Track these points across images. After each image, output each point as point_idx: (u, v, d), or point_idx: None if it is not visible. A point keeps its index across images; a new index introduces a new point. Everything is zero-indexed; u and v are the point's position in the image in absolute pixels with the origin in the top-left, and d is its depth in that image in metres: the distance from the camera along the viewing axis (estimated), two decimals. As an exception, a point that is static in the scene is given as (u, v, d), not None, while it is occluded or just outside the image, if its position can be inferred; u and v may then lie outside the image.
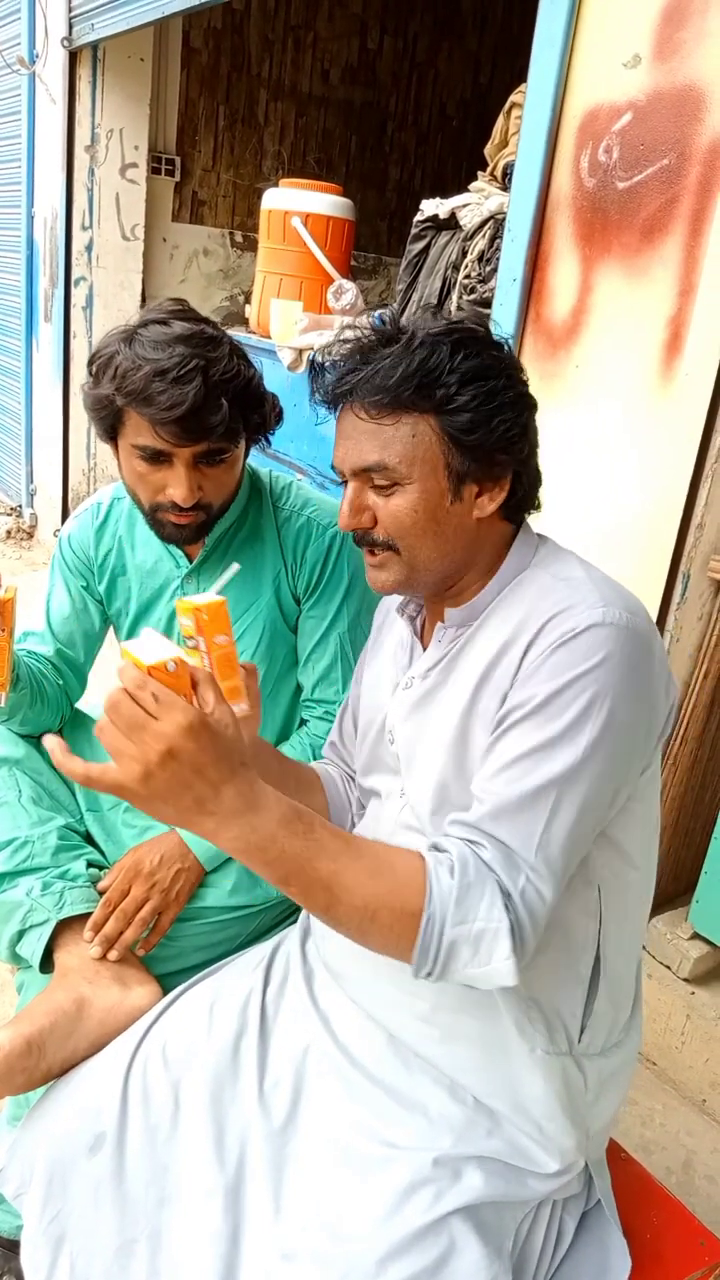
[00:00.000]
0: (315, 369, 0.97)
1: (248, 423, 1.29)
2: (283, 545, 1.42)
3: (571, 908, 0.95)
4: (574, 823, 0.85)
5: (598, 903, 0.97)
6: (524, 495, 0.99)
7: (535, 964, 0.95)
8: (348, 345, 0.95)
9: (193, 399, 1.16)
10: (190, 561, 1.43)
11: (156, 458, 1.23)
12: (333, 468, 0.99)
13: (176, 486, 1.24)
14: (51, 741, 0.82)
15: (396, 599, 1.12)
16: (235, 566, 1.01)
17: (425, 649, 1.06)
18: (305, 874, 0.81)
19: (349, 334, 0.96)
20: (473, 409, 0.90)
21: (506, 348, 0.98)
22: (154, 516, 1.30)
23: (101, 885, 1.31)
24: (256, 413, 1.29)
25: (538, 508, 1.04)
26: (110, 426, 1.27)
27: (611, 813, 0.91)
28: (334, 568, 1.41)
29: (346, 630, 1.43)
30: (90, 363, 1.25)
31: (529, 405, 0.96)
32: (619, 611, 0.88)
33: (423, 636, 1.09)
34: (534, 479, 1.00)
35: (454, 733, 0.96)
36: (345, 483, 0.98)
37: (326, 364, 0.96)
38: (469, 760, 0.95)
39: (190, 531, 1.31)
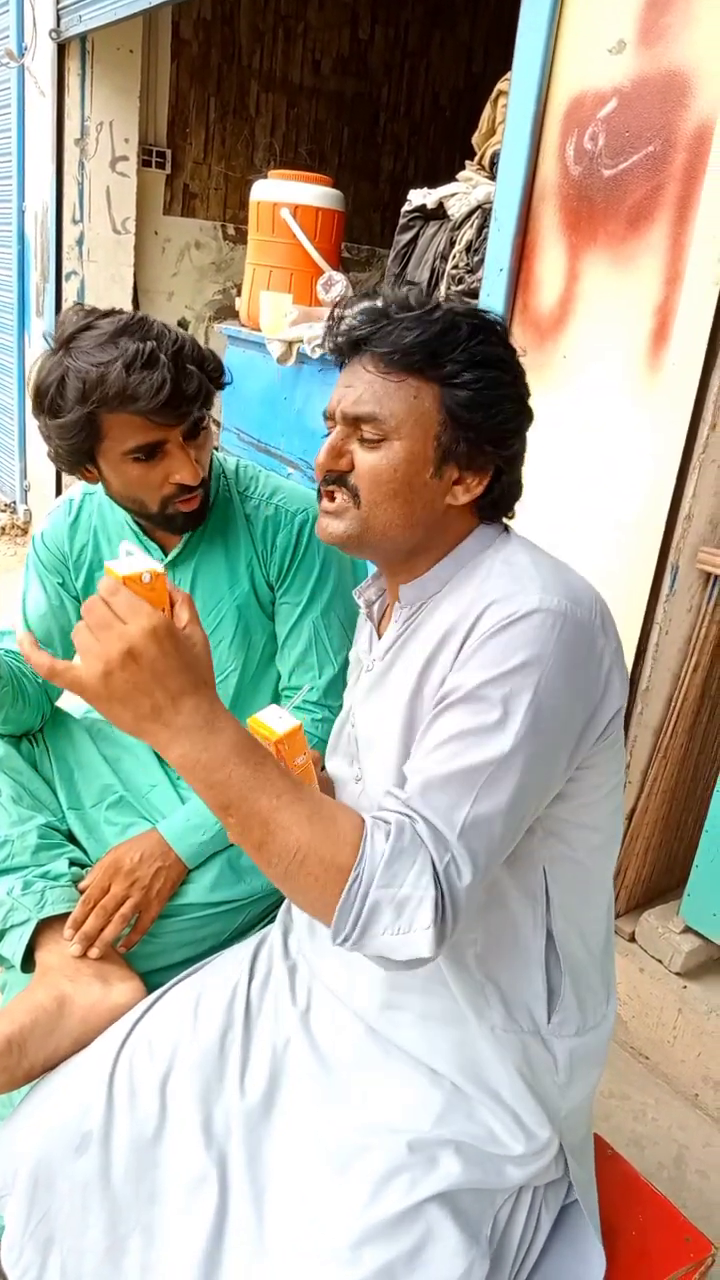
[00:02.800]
0: (334, 317, 0.98)
1: (211, 381, 1.29)
2: (253, 534, 1.42)
3: (512, 889, 0.95)
4: (499, 810, 0.83)
5: (542, 884, 0.96)
6: (499, 497, 0.99)
7: (483, 944, 0.97)
8: (377, 301, 0.96)
9: (171, 376, 1.17)
10: (165, 554, 1.42)
11: (152, 453, 1.23)
12: (324, 413, 0.99)
13: (183, 469, 1.25)
14: (21, 635, 0.85)
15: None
16: (308, 687, 1.09)
17: (381, 635, 1.07)
18: (246, 804, 0.80)
19: (384, 291, 0.97)
20: (474, 389, 0.91)
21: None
22: (164, 514, 1.30)
23: (82, 884, 1.30)
24: (210, 370, 1.29)
25: (510, 516, 1.03)
26: (88, 450, 1.24)
27: (546, 798, 0.90)
28: (305, 553, 1.42)
29: (320, 615, 1.43)
30: (40, 396, 1.22)
31: (527, 411, 0.97)
32: (558, 599, 0.86)
33: (381, 622, 1.10)
34: (513, 485, 1.00)
35: (403, 717, 0.96)
36: (331, 428, 0.98)
37: (348, 314, 0.96)
38: (414, 743, 0.94)
39: (198, 513, 1.33)
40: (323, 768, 1.19)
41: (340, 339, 0.96)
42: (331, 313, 0.98)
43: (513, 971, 0.98)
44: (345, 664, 1.42)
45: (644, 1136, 1.83)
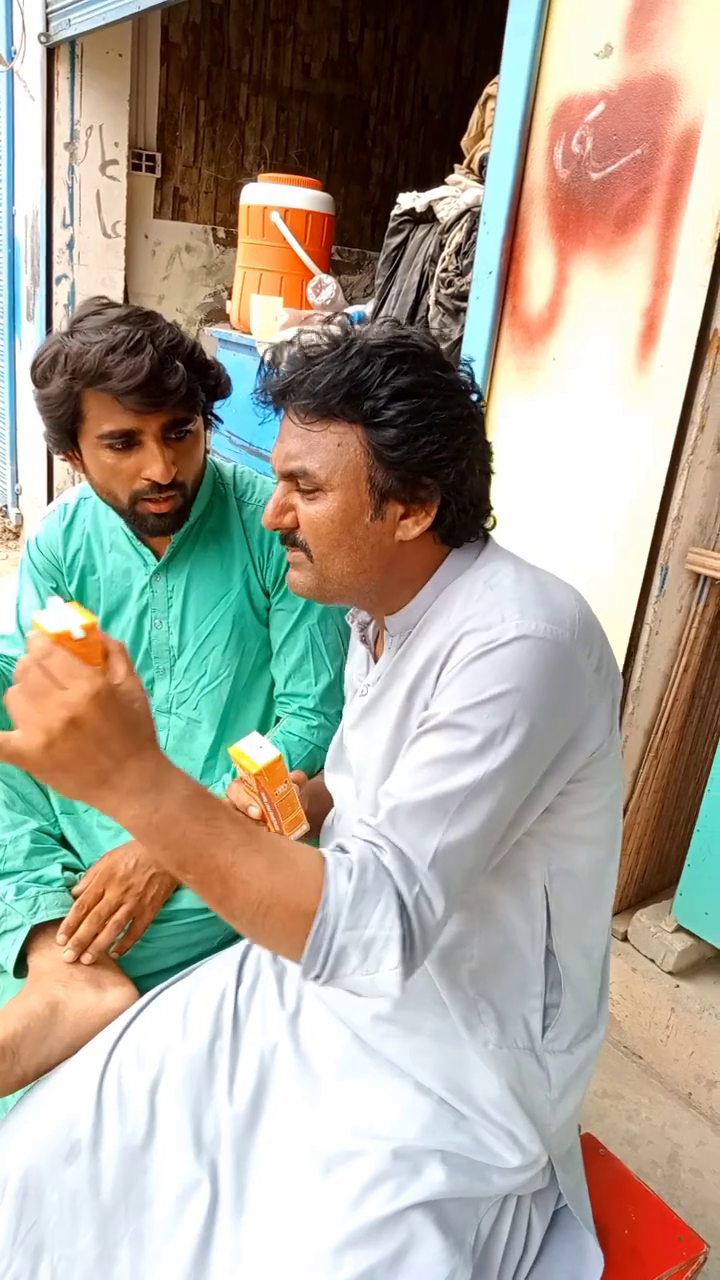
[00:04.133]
0: (264, 366, 0.96)
1: (202, 388, 1.30)
2: (249, 539, 1.42)
3: (510, 907, 0.95)
4: (471, 837, 0.82)
5: (543, 901, 0.96)
6: (454, 521, 0.95)
7: (479, 961, 0.96)
8: (296, 349, 0.94)
9: (150, 365, 1.18)
10: (157, 559, 1.42)
11: (127, 442, 1.24)
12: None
13: (153, 464, 1.25)
14: None
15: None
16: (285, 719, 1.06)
17: (377, 658, 1.06)
18: (203, 861, 0.78)
19: (305, 338, 0.95)
20: (398, 425, 0.88)
21: (462, 370, 0.95)
22: (133, 511, 1.30)
23: (76, 889, 1.30)
24: (207, 378, 1.30)
25: (491, 525, 1.01)
26: (70, 428, 1.26)
27: (525, 822, 0.89)
28: None
29: (316, 622, 1.44)
30: (34, 369, 1.25)
31: (466, 430, 0.92)
32: (538, 623, 0.85)
33: (376, 644, 1.09)
34: (471, 504, 0.95)
35: (388, 744, 0.96)
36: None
37: (279, 363, 0.95)
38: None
39: (170, 519, 1.32)
40: (310, 777, 1.20)
41: (267, 394, 0.95)
42: (261, 361, 0.97)
43: (508, 989, 0.98)
44: (341, 671, 1.42)
45: (637, 1136, 1.83)
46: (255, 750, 0.90)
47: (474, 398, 0.95)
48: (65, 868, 1.34)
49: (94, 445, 1.25)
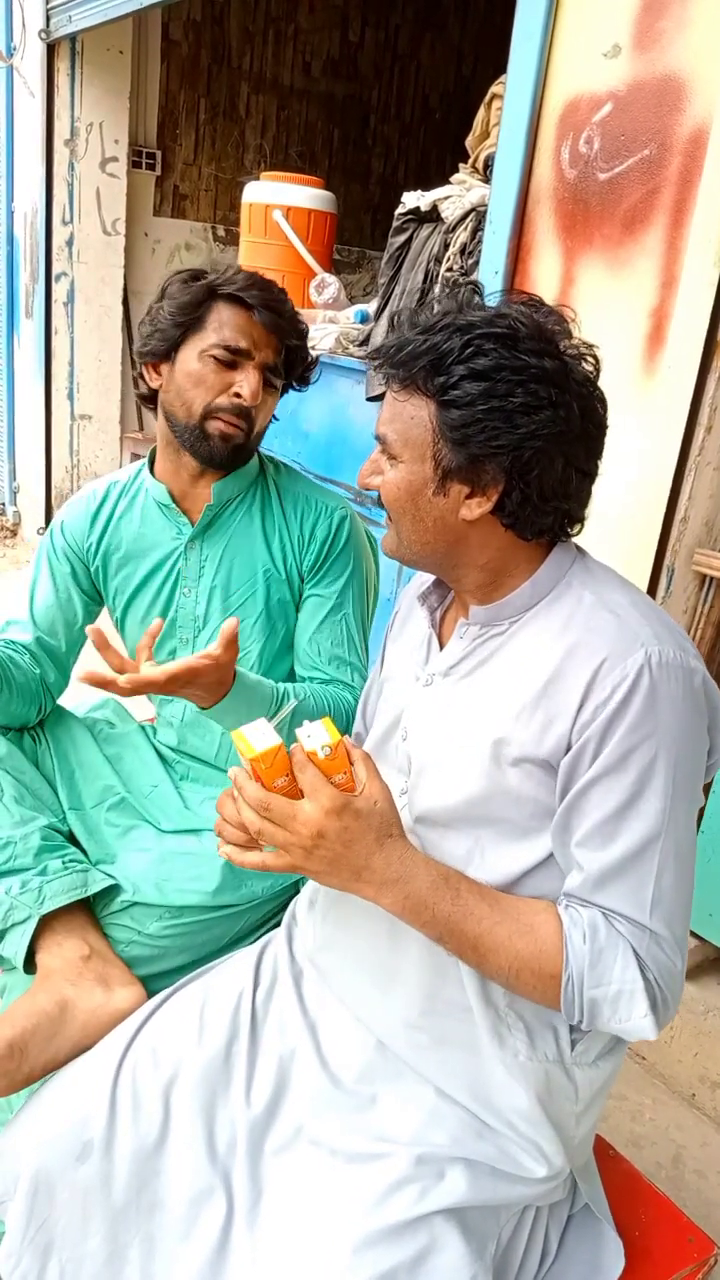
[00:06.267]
0: (392, 325, 0.98)
1: (300, 362, 1.44)
2: (288, 520, 1.45)
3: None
4: (679, 873, 0.88)
5: None
6: (518, 511, 0.92)
7: None
8: (414, 315, 0.95)
9: (287, 301, 1.37)
10: (193, 524, 1.44)
11: (232, 359, 1.33)
12: None
13: (247, 383, 1.33)
14: (226, 850, 0.93)
15: (420, 585, 1.10)
16: (294, 702, 1.13)
17: (443, 645, 1.03)
18: (455, 935, 0.88)
19: (428, 309, 0.96)
20: (464, 406, 0.87)
21: (581, 353, 0.91)
22: (201, 426, 1.35)
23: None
24: (304, 356, 1.44)
25: (577, 531, 0.98)
26: (178, 337, 1.35)
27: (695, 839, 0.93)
28: (342, 547, 1.46)
29: (351, 611, 1.46)
30: (165, 289, 1.37)
31: (539, 419, 0.87)
32: (674, 650, 0.87)
33: (441, 630, 1.06)
34: (540, 497, 0.91)
35: (489, 751, 0.93)
36: None
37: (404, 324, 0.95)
38: (503, 777, 0.93)
39: (231, 448, 1.37)
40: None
41: (380, 367, 0.96)
42: (391, 321, 1.01)
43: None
44: (367, 669, 1.43)
45: (642, 1137, 1.83)
46: (257, 736, 0.88)
47: (573, 387, 0.89)
48: (68, 861, 1.33)
49: (195, 355, 1.34)
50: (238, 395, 1.33)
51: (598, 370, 0.94)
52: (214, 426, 1.35)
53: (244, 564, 1.44)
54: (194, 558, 1.45)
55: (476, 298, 0.94)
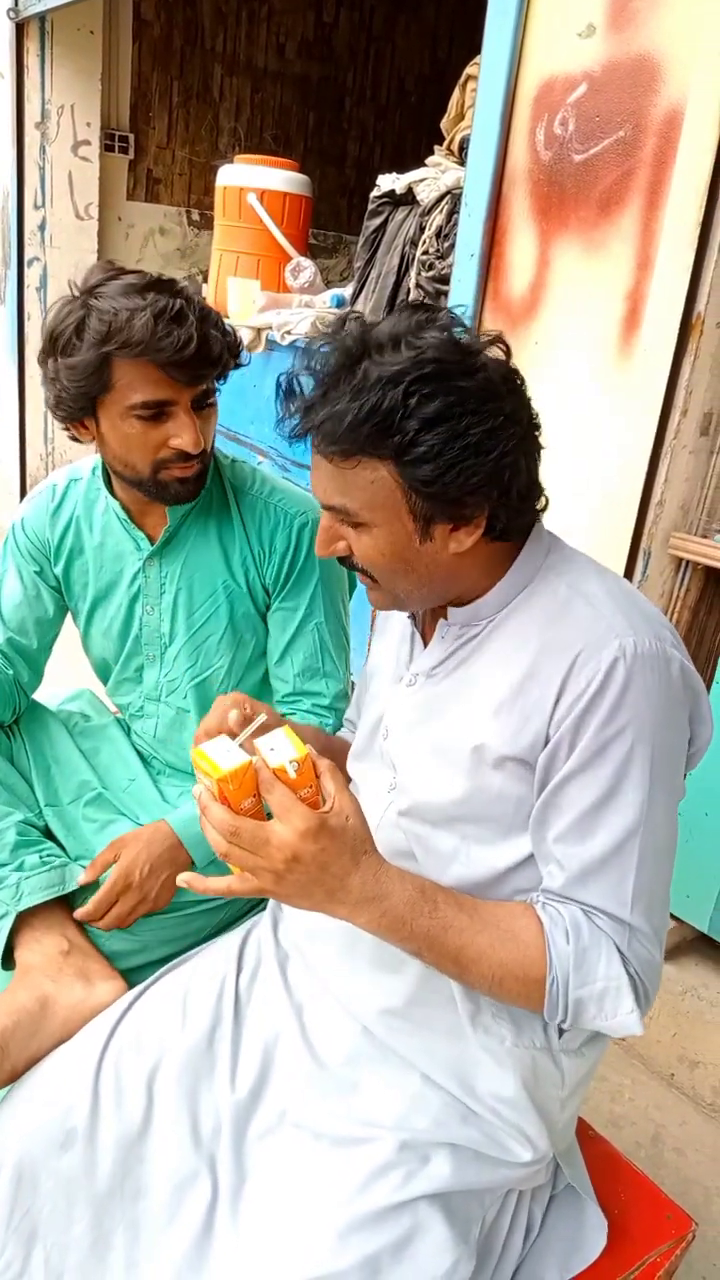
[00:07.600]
0: (281, 391, 0.92)
1: (232, 358, 1.27)
2: (248, 532, 1.39)
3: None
4: (658, 866, 0.88)
5: None
6: (507, 523, 0.91)
7: None
8: (311, 365, 0.90)
9: (198, 335, 1.16)
10: (152, 542, 1.39)
11: (158, 412, 1.21)
12: None
13: (185, 433, 1.22)
14: (186, 877, 0.87)
15: None
16: (262, 718, 0.92)
17: (426, 644, 1.02)
18: (436, 949, 0.86)
19: (314, 354, 0.90)
20: (433, 458, 0.83)
21: (476, 361, 0.87)
22: (154, 480, 1.27)
23: (82, 880, 1.28)
24: (230, 342, 1.26)
25: (543, 506, 0.96)
26: (91, 399, 1.21)
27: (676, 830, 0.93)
28: (305, 556, 1.38)
29: (323, 620, 1.41)
30: (53, 340, 1.20)
31: (504, 438, 0.86)
32: (650, 639, 0.86)
33: (424, 629, 1.05)
34: (520, 500, 0.91)
35: (470, 749, 0.93)
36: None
37: (295, 388, 0.90)
38: (485, 778, 0.93)
39: (191, 485, 1.29)
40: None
41: (293, 431, 0.91)
42: (278, 388, 0.92)
43: None
44: (348, 669, 1.41)
45: (621, 1117, 1.85)
46: (222, 754, 0.82)
47: (506, 388, 0.88)
48: (45, 857, 1.32)
49: (119, 415, 1.21)
50: (179, 448, 1.23)
51: (508, 353, 0.91)
52: (169, 476, 1.27)
53: (204, 581, 1.39)
54: (154, 575, 1.40)
55: (362, 328, 0.88)
